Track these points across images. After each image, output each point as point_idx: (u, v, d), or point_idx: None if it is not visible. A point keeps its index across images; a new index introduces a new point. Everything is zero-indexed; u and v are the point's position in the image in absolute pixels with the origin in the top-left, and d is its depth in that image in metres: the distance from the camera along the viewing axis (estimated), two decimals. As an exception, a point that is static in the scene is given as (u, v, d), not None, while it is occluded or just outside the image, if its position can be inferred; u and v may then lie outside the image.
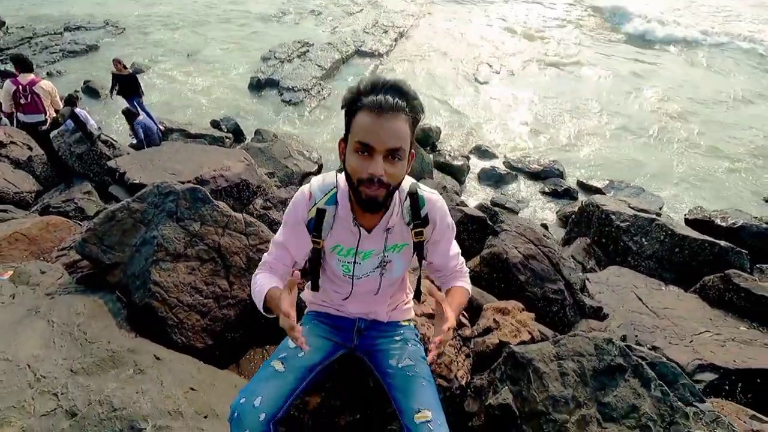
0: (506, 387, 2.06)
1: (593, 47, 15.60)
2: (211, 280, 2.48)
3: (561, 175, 8.79)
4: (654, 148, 9.70)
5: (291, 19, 16.33)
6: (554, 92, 12.28)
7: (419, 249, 1.45)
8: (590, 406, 1.96)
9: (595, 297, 4.63)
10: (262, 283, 1.43)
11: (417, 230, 1.41)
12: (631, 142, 9.95)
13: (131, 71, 9.31)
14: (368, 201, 1.26)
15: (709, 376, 3.42)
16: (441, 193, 5.23)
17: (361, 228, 1.41)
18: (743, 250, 5.41)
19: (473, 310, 3.03)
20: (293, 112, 10.60)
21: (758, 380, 3.45)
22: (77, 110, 6.63)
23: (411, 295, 1.77)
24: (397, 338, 1.58)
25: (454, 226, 1.57)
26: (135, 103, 8.76)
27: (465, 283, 1.61)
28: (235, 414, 1.28)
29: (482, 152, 9.49)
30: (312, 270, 1.52)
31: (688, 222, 7.33)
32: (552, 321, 3.63)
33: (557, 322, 3.61)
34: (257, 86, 11.20)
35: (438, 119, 10.42)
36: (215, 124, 9.65)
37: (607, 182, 8.60)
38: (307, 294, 1.71)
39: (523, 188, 8.53)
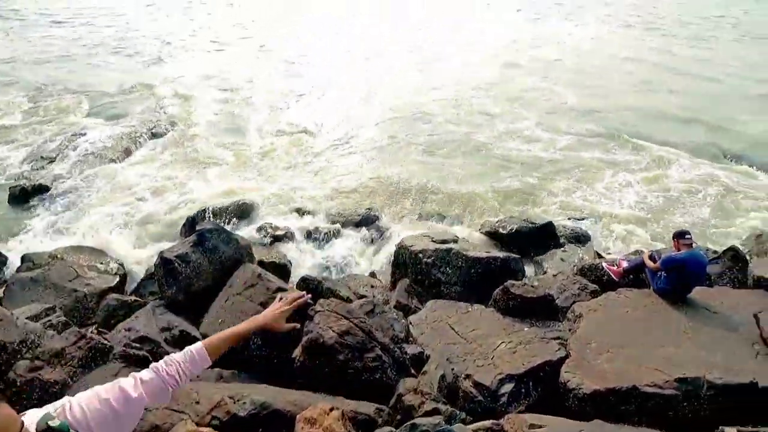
0: None
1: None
2: None
3: (377, 219, 9.56)
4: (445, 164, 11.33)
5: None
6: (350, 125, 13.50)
7: None
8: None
9: (417, 340, 5.07)
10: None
11: None
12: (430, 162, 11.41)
13: None
14: None
15: (508, 387, 4.02)
16: (256, 284, 4.92)
17: None
18: (516, 256, 6.72)
19: (287, 422, 2.96)
20: (76, 217, 9.04)
21: (541, 374, 4.21)
22: None
23: None
24: None
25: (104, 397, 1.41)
26: None
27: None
28: None
29: (302, 213, 9.67)
30: None
31: (487, 235, 8.75)
32: (376, 388, 3.79)
33: (381, 388, 3.78)
34: (22, 197, 9.24)
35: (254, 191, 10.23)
36: (-39, 260, 7.52)
37: (418, 215, 9.71)
38: None
39: (348, 240, 8.94)
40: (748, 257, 7.44)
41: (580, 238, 8.80)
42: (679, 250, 4.96)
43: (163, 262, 5.90)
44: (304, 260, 8.38)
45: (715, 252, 6.73)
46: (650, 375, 3.84)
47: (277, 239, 8.41)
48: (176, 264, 5.86)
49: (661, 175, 11.10)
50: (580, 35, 31.67)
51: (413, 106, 15.61)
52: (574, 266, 7.03)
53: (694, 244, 5.09)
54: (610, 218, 9.36)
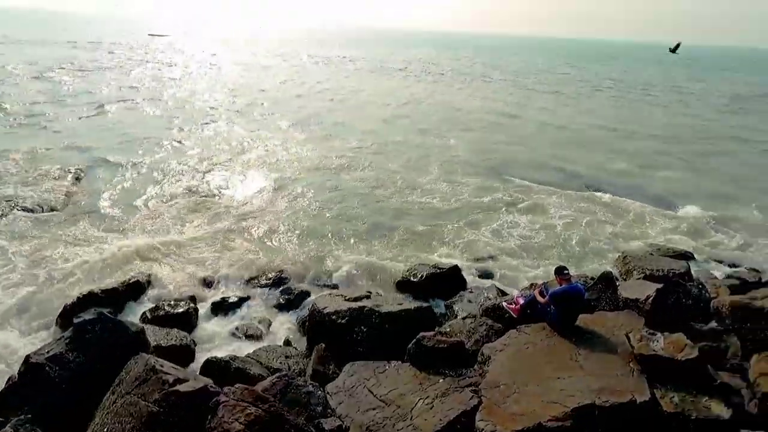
0: None
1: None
2: None
3: (288, 281, 9.27)
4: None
5: None
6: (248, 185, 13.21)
7: None
8: None
9: (336, 410, 4.87)
10: None
11: None
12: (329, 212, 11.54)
13: None
14: None
15: (429, 448, 4.01)
16: (149, 378, 4.41)
17: None
18: (426, 304, 6.96)
19: None
20: None
21: (458, 426, 4.29)
22: None
23: None
24: None
25: None
26: None
27: None
28: None
29: (208, 283, 9.02)
30: None
31: (399, 284, 8.93)
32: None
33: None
34: None
35: (149, 263, 9.33)
36: None
37: (328, 274, 9.55)
38: None
39: (260, 308, 8.47)
40: (618, 278, 8.64)
41: (484, 278, 9.45)
42: (561, 284, 5.58)
43: (30, 368, 5.02)
44: (211, 337, 7.72)
45: (592, 279, 7.66)
46: (552, 409, 4.15)
47: (177, 317, 7.67)
48: (47, 368, 5.02)
49: (544, 211, 12.56)
50: (465, 95, 35.70)
51: (318, 166, 15.85)
52: (481, 306, 7.47)
53: (572, 277, 5.77)
54: (507, 255, 10.22)
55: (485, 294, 8.35)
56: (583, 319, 5.71)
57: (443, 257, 10.17)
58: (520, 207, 12.76)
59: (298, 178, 14.50)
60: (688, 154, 20.16)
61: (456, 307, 8.06)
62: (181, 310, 7.80)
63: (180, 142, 18.10)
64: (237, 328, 7.73)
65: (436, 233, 11.17)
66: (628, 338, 4.97)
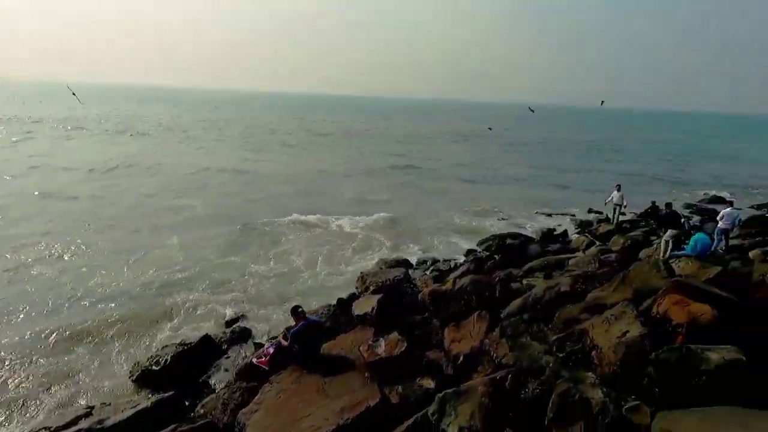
0: None
1: None
2: None
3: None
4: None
5: None
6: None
7: None
8: None
9: None
10: None
11: None
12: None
13: None
14: None
15: None
16: None
17: None
18: (169, 394, 6.05)
19: None
20: None
21: None
22: None
23: None
24: None
25: None
26: None
27: None
28: None
29: None
30: None
31: (139, 379, 7.43)
32: None
33: None
34: None
35: None
36: None
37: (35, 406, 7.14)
38: None
39: None
40: (360, 297, 9.78)
41: (240, 339, 9.00)
42: (298, 322, 5.88)
43: None
44: None
45: (333, 305, 8.43)
46: (304, 450, 4.23)
47: None
48: None
49: (288, 253, 13.10)
50: (187, 151, 34.12)
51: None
52: (235, 370, 7.06)
53: (308, 313, 6.18)
54: (260, 307, 10.08)
55: (243, 354, 7.98)
56: (327, 347, 6.17)
57: (193, 327, 9.20)
58: (266, 254, 12.97)
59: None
60: (385, 184, 25.02)
61: (212, 381, 7.37)
62: None
63: None
64: None
65: (180, 307, 10.01)
66: (360, 351, 5.65)
